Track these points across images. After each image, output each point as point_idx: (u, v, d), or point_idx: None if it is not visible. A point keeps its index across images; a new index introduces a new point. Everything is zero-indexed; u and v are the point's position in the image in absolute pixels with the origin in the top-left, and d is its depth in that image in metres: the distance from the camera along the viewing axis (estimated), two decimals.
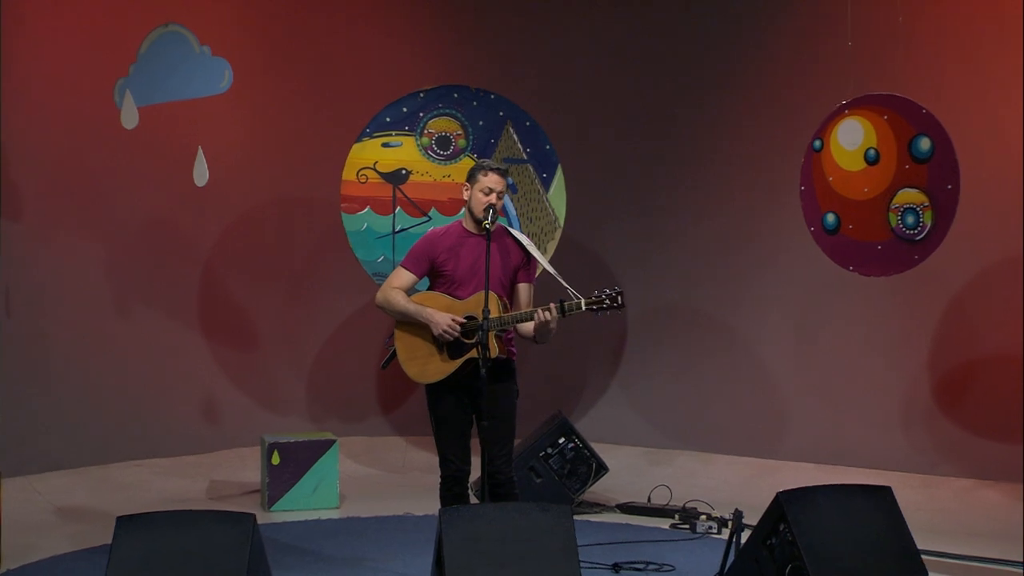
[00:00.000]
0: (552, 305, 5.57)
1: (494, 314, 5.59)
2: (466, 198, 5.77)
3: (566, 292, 5.61)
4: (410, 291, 5.83)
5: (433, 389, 5.78)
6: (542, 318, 5.55)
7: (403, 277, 5.82)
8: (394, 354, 5.82)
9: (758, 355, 8.62)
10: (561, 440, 7.67)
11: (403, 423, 9.19)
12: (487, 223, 5.64)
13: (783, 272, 8.49)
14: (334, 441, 7.80)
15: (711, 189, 8.81)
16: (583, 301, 5.55)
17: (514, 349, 5.84)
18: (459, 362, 5.67)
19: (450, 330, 5.64)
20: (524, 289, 5.84)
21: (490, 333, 5.56)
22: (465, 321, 5.66)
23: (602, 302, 5.55)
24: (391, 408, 9.26)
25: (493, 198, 5.69)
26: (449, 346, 5.69)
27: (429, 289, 5.87)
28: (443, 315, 5.66)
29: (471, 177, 5.76)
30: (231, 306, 8.77)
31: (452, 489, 5.80)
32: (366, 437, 9.07)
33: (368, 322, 9.01)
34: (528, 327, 5.67)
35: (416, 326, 5.74)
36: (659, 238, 8.99)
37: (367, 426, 9.16)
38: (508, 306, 5.75)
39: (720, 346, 8.75)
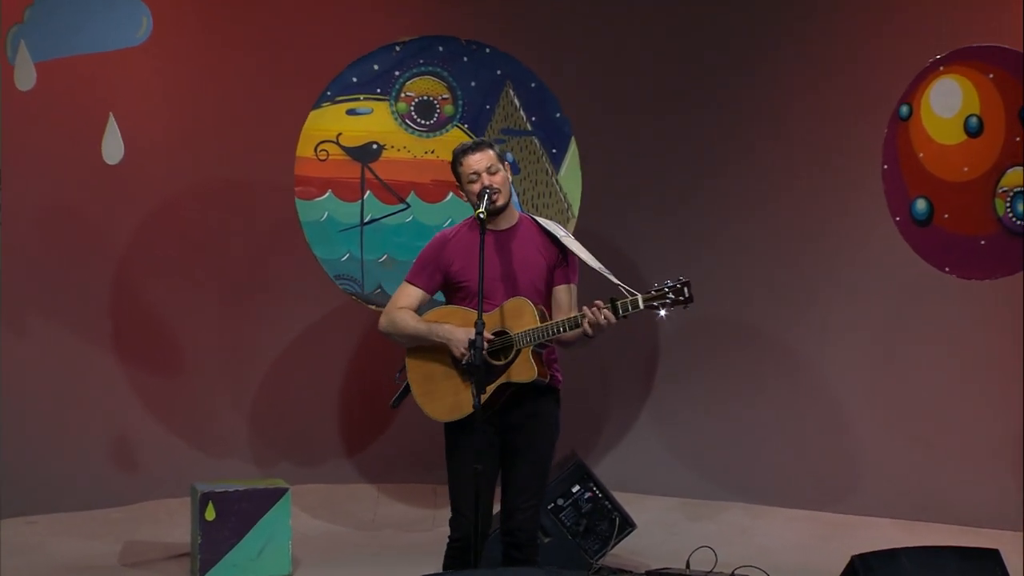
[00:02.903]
0: (599, 303, 5.56)
1: (528, 324, 5.67)
2: (466, 200, 5.90)
3: (613, 289, 5.60)
4: (421, 310, 5.92)
5: (452, 426, 5.83)
6: (594, 320, 5.54)
7: (409, 294, 5.93)
8: (407, 389, 5.90)
9: (825, 382, 8.62)
10: (575, 488, 7.68)
11: (373, 467, 9.17)
12: (480, 211, 5.69)
13: (858, 276, 8.50)
14: (286, 490, 7.79)
15: (767, 171, 8.83)
16: (640, 297, 5.56)
17: (559, 373, 5.89)
18: (491, 389, 5.68)
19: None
20: (564, 292, 5.89)
21: (526, 350, 5.64)
22: (494, 338, 5.70)
23: (664, 296, 5.55)
24: (358, 448, 9.24)
25: (484, 179, 5.77)
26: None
27: (449, 304, 5.96)
28: (465, 331, 5.71)
29: (455, 175, 5.89)
30: (152, 318, 8.75)
31: (461, 556, 5.81)
32: (326, 485, 9.06)
33: (330, 338, 9.00)
34: (569, 333, 5.68)
35: (431, 351, 5.82)
36: (700, 233, 9.02)
37: (327, 471, 9.15)
38: (547, 315, 5.80)
39: (777, 371, 8.77)
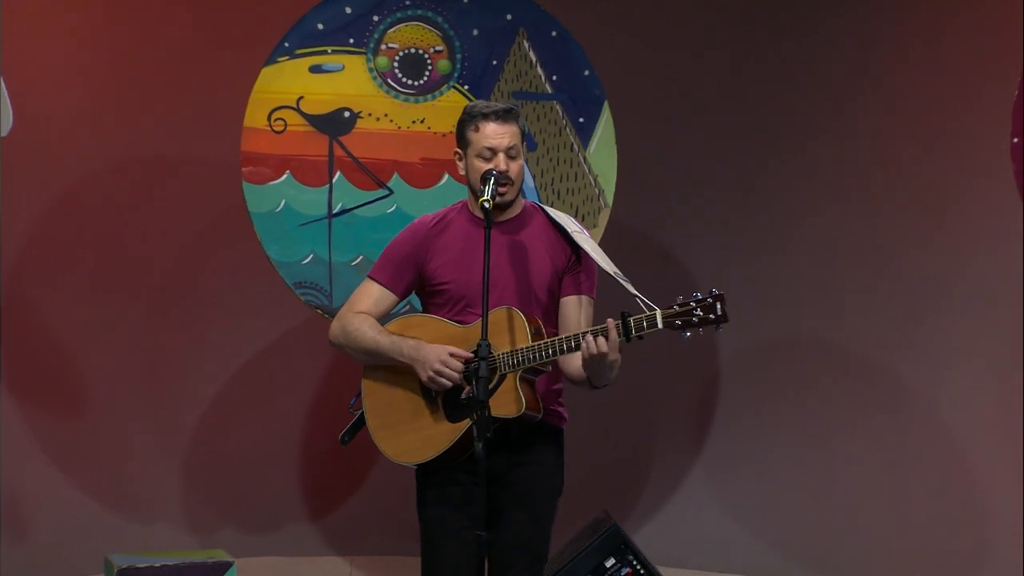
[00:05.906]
0: (610, 322, 5.53)
1: (518, 342, 5.64)
2: (462, 172, 5.87)
3: (632, 300, 5.55)
4: (385, 319, 5.89)
5: (426, 474, 5.82)
6: (592, 350, 5.52)
7: (371, 295, 5.92)
8: (362, 420, 5.87)
9: (940, 421, 8.70)
10: (610, 563, 7.63)
11: (344, 534, 9.17)
12: (486, 199, 5.62)
13: (981, 283, 8.58)
14: (230, 564, 7.81)
15: (861, 148, 8.91)
16: (659, 313, 5.51)
17: (563, 408, 5.90)
18: (462, 427, 5.67)
19: (445, 369, 5.65)
20: (573, 305, 5.88)
21: (511, 376, 5.62)
22: (472, 356, 5.63)
23: (690, 313, 5.50)
24: (324, 510, 9.24)
25: (500, 161, 5.72)
26: (446, 401, 5.72)
27: (424, 313, 5.96)
28: (434, 348, 5.70)
29: (461, 139, 5.84)
30: (54, 340, 8.82)
31: None
32: (283, 557, 9.09)
33: (288, 365, 9.01)
34: (575, 362, 5.65)
35: (394, 372, 5.80)
36: (772, 228, 9.12)
37: (284, 539, 9.19)
38: (543, 331, 5.74)
39: (877, 408, 8.86)
